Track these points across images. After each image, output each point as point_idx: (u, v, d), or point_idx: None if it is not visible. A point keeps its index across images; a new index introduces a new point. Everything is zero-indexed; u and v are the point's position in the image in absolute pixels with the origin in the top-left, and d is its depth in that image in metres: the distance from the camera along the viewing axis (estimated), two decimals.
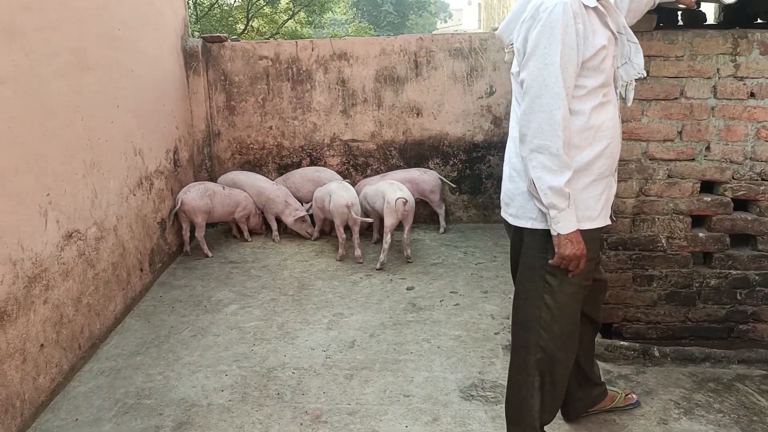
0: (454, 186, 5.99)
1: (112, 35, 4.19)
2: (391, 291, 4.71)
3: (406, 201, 5.13)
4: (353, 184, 5.97)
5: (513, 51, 2.53)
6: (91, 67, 3.83)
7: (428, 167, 6.17)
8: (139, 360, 3.71)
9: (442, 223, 6.04)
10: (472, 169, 6.19)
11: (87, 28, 3.80)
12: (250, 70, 6.04)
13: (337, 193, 5.17)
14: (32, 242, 3.09)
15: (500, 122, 6.03)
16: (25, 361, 2.98)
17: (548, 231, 2.35)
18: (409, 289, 4.74)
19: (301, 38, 17.30)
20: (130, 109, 4.44)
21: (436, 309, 4.36)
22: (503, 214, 2.59)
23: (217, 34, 6.05)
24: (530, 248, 2.46)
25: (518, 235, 2.52)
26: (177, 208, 5.21)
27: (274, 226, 5.86)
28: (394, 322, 4.17)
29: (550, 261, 2.38)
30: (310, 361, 3.67)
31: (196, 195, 5.28)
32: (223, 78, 6.07)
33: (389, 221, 5.20)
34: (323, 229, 5.89)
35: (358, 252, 5.27)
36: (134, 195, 4.48)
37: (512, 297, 2.62)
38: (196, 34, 9.22)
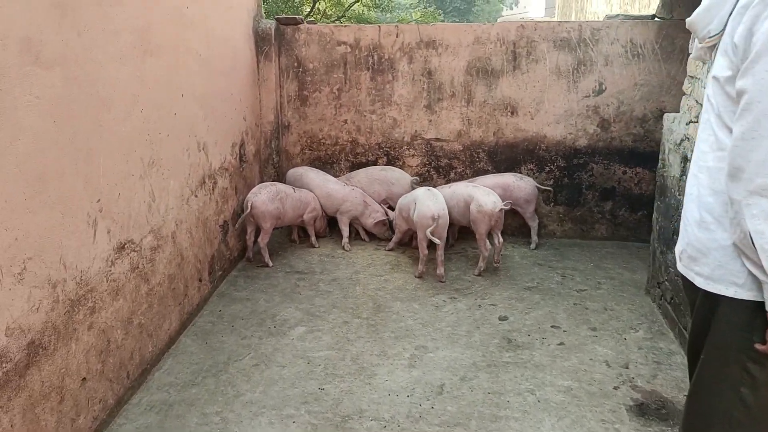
0: (550, 189, 5.31)
1: (180, 12, 3.71)
2: (480, 320, 4.10)
3: (505, 206, 4.65)
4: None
5: (711, 46, 1.87)
6: (155, 49, 3.35)
7: (521, 173, 5.49)
8: (194, 393, 3.23)
9: (534, 237, 5.38)
10: (571, 178, 5.48)
11: (152, 3, 3.32)
12: (327, 56, 5.50)
13: (423, 202, 4.59)
14: (77, 258, 2.64)
15: (608, 126, 5.29)
16: (62, 401, 2.54)
17: (759, 304, 1.70)
18: (502, 319, 4.12)
19: (368, 22, 16.73)
20: (195, 99, 3.97)
21: (537, 348, 3.72)
22: (684, 270, 1.93)
23: (293, 16, 5.53)
24: (728, 323, 1.80)
25: (709, 302, 1.85)
26: (247, 212, 4.73)
27: (345, 232, 5.33)
28: (488, 362, 3.57)
29: (757, 345, 1.72)
30: (392, 410, 3.11)
31: (267, 198, 4.79)
32: (296, 65, 5.55)
33: (482, 228, 4.61)
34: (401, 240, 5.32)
35: (440, 270, 4.68)
36: (196, 196, 4.02)
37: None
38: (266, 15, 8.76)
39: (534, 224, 5.34)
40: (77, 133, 2.62)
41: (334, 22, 17.25)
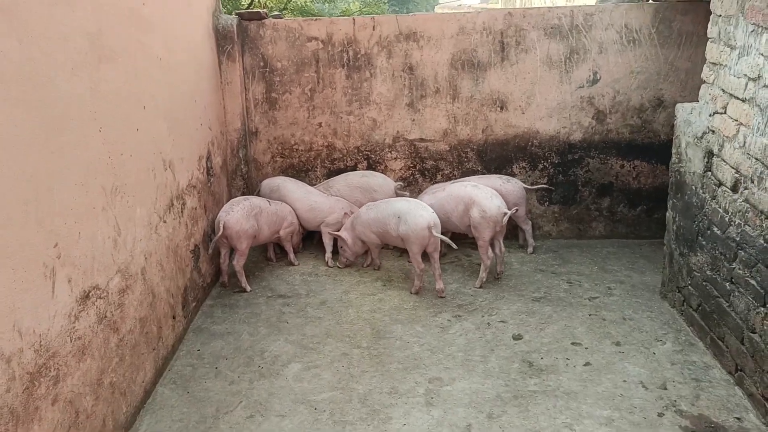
0: (551, 188, 5.02)
1: (135, 12, 3.21)
2: (493, 341, 3.75)
3: (512, 212, 4.38)
4: (414, 193, 5.04)
5: None
6: (110, 55, 2.86)
7: (512, 173, 5.18)
8: None
9: (530, 241, 5.07)
10: (566, 175, 5.19)
11: (104, 2, 2.82)
12: (296, 54, 5.04)
13: (415, 212, 4.20)
14: (34, 321, 2.15)
15: (604, 118, 5.02)
16: None
17: None
18: (516, 338, 3.78)
19: (312, 14, 16.15)
20: (158, 111, 3.48)
21: (563, 371, 3.41)
22: None
23: (256, 10, 5.04)
24: None
25: None
26: (219, 234, 4.25)
27: (330, 247, 4.91)
28: (513, 392, 3.23)
29: None
30: None
31: (241, 216, 4.32)
32: (262, 64, 5.08)
33: (486, 235, 4.27)
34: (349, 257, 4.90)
35: (440, 284, 4.32)
36: (164, 222, 3.53)
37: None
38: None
39: (527, 227, 5.03)
40: (25, 165, 2.12)
41: (278, 14, 16.44)
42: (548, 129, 5.10)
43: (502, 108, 5.07)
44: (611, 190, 5.21)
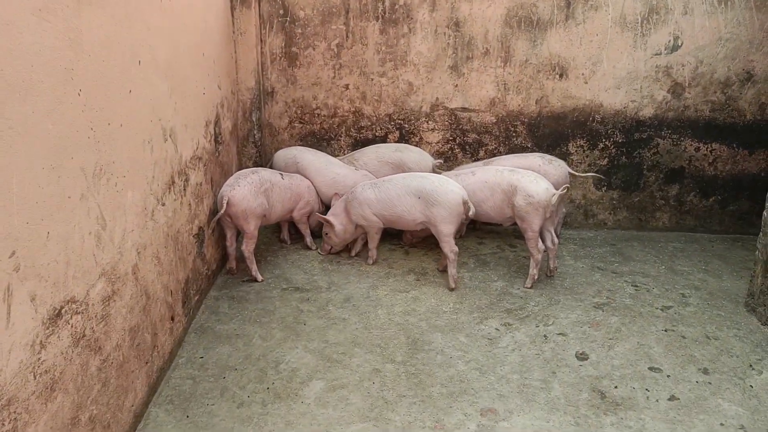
0: (602, 177, 4.35)
1: None
2: (553, 360, 3.19)
3: (562, 191, 3.82)
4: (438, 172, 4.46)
5: None
6: None
7: (567, 152, 4.55)
8: None
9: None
10: (630, 156, 4.56)
11: None
12: (323, 2, 4.36)
13: (444, 189, 3.71)
14: None
15: (681, 91, 4.35)
16: None
17: None
18: (581, 357, 3.22)
19: None
20: (158, 67, 2.84)
21: (644, 407, 2.85)
22: None
23: None
24: None
25: None
26: (222, 212, 3.66)
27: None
28: None
29: None
30: None
31: (248, 192, 3.73)
32: (282, 12, 4.40)
33: (535, 225, 3.73)
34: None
35: (450, 272, 3.90)
36: (163, 205, 2.94)
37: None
38: None
39: (560, 218, 4.41)
40: None
41: None
42: (614, 102, 4.44)
43: (561, 75, 4.40)
44: (682, 177, 4.58)
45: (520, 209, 3.76)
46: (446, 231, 3.78)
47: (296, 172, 4.24)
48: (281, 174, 4.07)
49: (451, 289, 3.87)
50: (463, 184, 3.94)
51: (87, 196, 2.16)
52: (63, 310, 2.01)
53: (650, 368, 3.15)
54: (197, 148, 3.49)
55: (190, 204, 3.37)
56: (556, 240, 3.99)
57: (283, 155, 4.35)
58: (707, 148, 4.49)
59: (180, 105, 3.16)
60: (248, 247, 3.86)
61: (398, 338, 3.38)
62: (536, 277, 3.90)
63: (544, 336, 3.42)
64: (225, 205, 3.67)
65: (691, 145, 4.49)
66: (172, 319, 3.11)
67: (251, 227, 3.80)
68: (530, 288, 3.90)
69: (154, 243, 2.83)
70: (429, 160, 4.39)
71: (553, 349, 3.30)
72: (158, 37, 2.84)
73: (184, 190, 3.27)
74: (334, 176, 4.24)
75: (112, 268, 2.40)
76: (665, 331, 3.47)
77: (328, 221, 4.03)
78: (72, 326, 2.07)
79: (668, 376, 3.08)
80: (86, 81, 2.14)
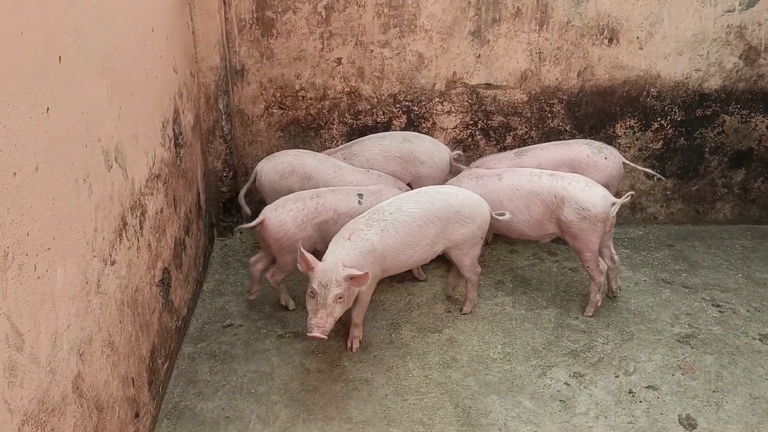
0: (657, 175, 3.56)
1: None
2: (651, 430, 2.47)
3: (626, 200, 3.04)
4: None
5: None
6: None
7: (613, 134, 3.78)
8: None
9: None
10: (689, 138, 3.82)
11: None
12: None
13: (473, 202, 2.98)
14: None
15: (756, 57, 3.61)
16: None
17: None
18: (688, 425, 2.50)
19: None
20: (89, 60, 1.90)
21: None
22: None
23: None
24: None
25: None
26: (254, 224, 2.99)
27: None
28: None
29: None
30: None
31: (289, 219, 2.97)
32: None
33: (593, 243, 3.02)
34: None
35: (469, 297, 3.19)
36: (113, 264, 2.04)
37: None
38: None
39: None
40: None
41: None
42: (674, 72, 3.66)
43: (611, 40, 3.58)
44: (749, 159, 3.87)
45: (572, 226, 2.98)
46: (474, 253, 3.03)
47: (297, 186, 3.31)
48: (360, 196, 3.15)
49: (465, 313, 3.15)
50: (485, 191, 3.13)
51: None
52: None
53: None
54: (154, 163, 2.56)
55: (149, 244, 2.46)
56: (616, 257, 3.24)
57: (273, 166, 3.37)
58: None
59: (126, 109, 2.22)
60: (275, 278, 3.09)
61: (444, 407, 2.61)
62: (599, 303, 3.16)
63: (630, 392, 2.69)
64: (260, 222, 2.97)
65: (763, 121, 3.77)
66: (137, 415, 2.24)
67: (286, 260, 2.95)
68: (591, 317, 3.16)
69: (103, 327, 1.94)
70: (445, 151, 3.54)
71: (648, 412, 2.58)
72: (85, 17, 1.88)
73: (141, 228, 2.35)
74: (347, 183, 3.34)
75: (41, 402, 1.52)
76: None
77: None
78: None
79: None
80: None
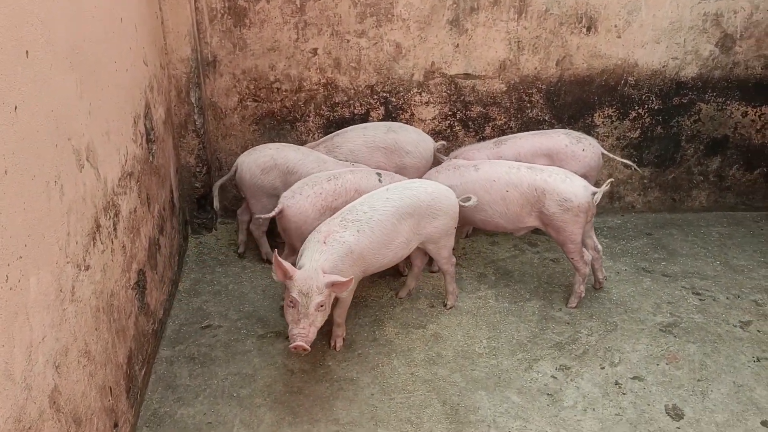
0: (634, 166, 3.55)
1: None
2: (640, 423, 2.50)
3: (606, 187, 3.03)
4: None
5: None
6: None
7: (592, 124, 3.77)
8: None
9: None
10: (666, 126, 3.83)
11: None
12: None
13: (444, 196, 2.94)
14: None
15: (731, 45, 3.63)
16: None
17: None
18: (675, 416, 2.55)
19: None
20: (57, 53, 1.80)
21: None
22: None
23: None
24: None
25: None
26: (273, 213, 2.95)
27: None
28: None
29: None
30: None
31: (309, 204, 2.93)
32: None
33: (576, 234, 3.01)
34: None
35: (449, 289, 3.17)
36: (87, 269, 1.94)
37: None
38: None
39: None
40: None
41: None
42: (651, 60, 3.65)
43: (589, 29, 3.56)
44: (725, 147, 3.90)
45: (555, 218, 2.96)
46: (450, 244, 3.01)
47: (278, 181, 3.23)
48: (379, 175, 3.11)
49: (449, 307, 3.13)
50: (461, 182, 3.10)
51: None
52: None
53: (762, 422, 2.48)
54: (126, 161, 2.45)
55: (124, 246, 2.36)
56: (599, 246, 3.24)
57: (254, 160, 3.27)
58: (756, 112, 3.80)
59: (96, 105, 2.11)
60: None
61: (431, 405, 2.57)
62: (583, 294, 3.15)
63: (616, 383, 2.69)
64: (279, 211, 2.91)
65: (738, 109, 3.80)
66: (116, 425, 2.15)
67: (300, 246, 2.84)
68: (575, 308, 3.15)
69: (79, 336, 1.85)
70: (429, 142, 3.49)
71: (635, 403, 2.58)
72: (54, 5, 1.77)
73: (115, 229, 2.25)
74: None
75: (17, 421, 1.43)
76: (757, 361, 2.82)
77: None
78: None
79: None
80: None
